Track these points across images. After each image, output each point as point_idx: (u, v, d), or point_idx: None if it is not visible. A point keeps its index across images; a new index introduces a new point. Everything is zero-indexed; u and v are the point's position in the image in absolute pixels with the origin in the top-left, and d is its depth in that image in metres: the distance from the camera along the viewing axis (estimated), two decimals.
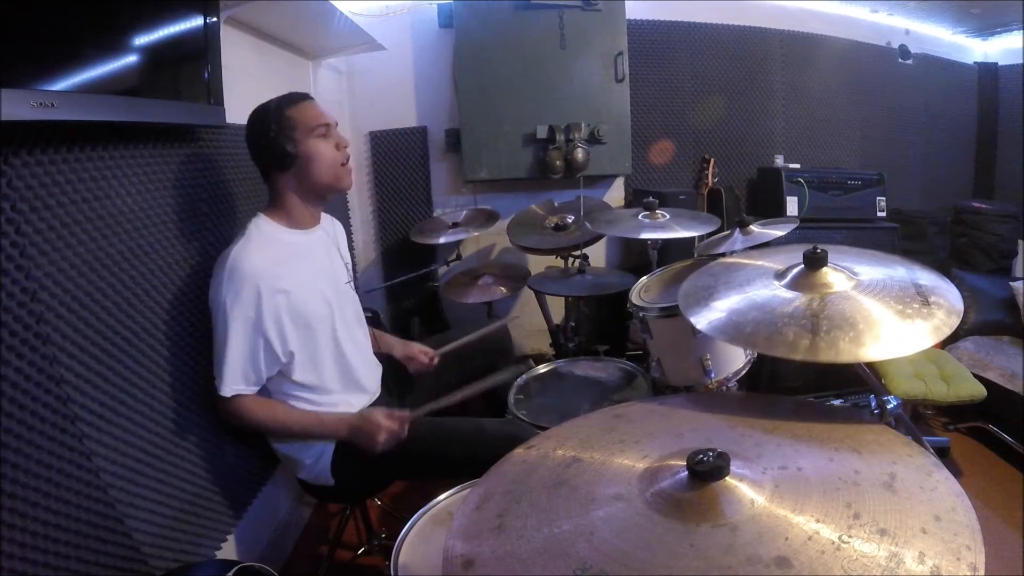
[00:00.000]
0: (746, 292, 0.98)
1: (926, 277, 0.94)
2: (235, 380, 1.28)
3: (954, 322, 0.82)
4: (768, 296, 0.94)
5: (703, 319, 0.96)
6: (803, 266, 0.95)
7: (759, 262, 1.09)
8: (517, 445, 0.84)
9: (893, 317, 0.83)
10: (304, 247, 1.41)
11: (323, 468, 1.38)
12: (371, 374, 1.54)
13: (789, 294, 0.93)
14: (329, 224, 1.55)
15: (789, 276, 0.97)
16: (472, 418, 1.46)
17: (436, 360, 1.66)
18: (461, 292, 2.45)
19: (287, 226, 1.39)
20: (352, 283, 1.58)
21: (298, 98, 1.37)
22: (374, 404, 1.50)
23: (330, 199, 1.50)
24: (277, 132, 1.31)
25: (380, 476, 1.48)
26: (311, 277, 1.39)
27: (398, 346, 1.70)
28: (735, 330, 0.91)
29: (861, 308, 0.85)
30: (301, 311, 1.33)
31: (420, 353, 1.66)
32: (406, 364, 1.67)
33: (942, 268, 3.07)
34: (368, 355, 1.56)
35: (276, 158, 1.33)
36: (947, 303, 0.85)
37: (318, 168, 1.35)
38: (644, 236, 1.91)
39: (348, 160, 1.41)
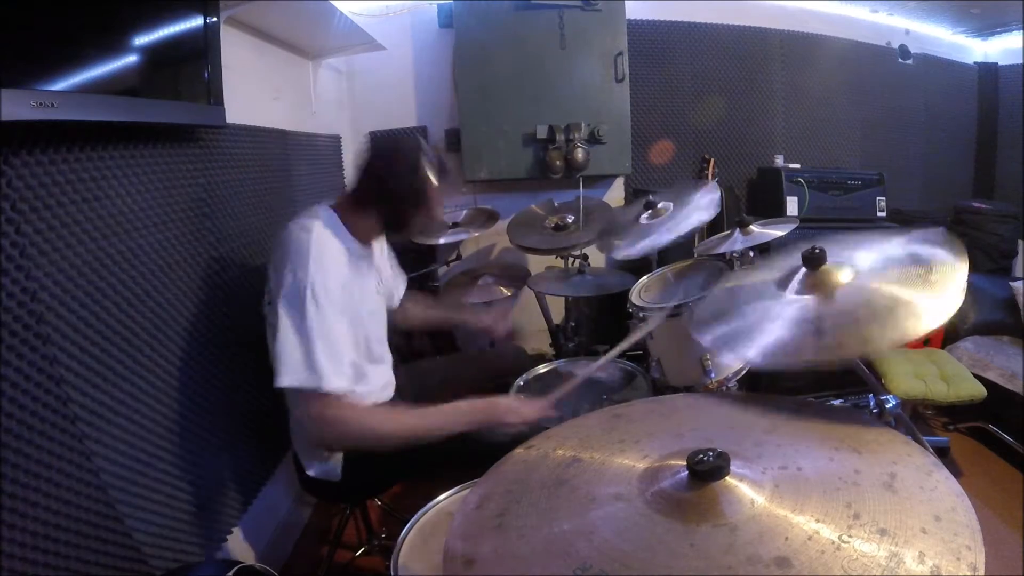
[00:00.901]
0: (760, 309, 0.96)
1: (920, 245, 0.93)
2: (339, 374, 1.16)
3: (959, 283, 0.80)
4: (782, 307, 0.93)
5: (748, 352, 0.91)
6: (804, 268, 0.94)
7: (758, 277, 1.07)
8: (518, 443, 0.84)
9: (902, 296, 0.82)
10: (360, 254, 1.39)
11: (335, 463, 1.36)
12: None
13: (799, 299, 0.92)
14: None
15: (794, 281, 0.95)
16: None
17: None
18: (461, 292, 2.45)
19: (350, 232, 1.36)
20: (383, 294, 1.57)
21: (446, 175, 1.38)
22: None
23: None
24: (412, 202, 1.33)
25: (386, 473, 1.48)
26: (365, 288, 1.41)
27: (467, 317, 1.80)
28: (783, 350, 0.87)
29: (867, 299, 0.84)
30: (363, 311, 1.35)
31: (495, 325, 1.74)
32: (490, 330, 1.76)
33: None
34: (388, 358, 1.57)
35: (390, 205, 1.34)
36: (946, 264, 0.84)
37: (404, 233, 1.46)
38: (654, 245, 1.82)
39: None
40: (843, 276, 0.91)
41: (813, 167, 3.06)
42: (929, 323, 0.76)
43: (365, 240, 1.41)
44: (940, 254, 0.88)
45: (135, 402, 1.18)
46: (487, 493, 0.73)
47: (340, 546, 1.74)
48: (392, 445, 1.23)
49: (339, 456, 1.36)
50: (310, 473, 1.39)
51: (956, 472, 2.13)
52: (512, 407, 1.28)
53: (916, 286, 0.82)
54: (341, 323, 1.20)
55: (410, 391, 1.62)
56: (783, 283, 0.97)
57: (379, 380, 1.47)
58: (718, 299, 1.09)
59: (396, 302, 1.70)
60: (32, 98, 0.88)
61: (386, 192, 1.32)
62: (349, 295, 1.28)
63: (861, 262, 0.94)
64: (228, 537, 1.47)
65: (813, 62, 3.34)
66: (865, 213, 2.86)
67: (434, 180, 1.33)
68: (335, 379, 1.15)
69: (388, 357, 1.56)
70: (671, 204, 1.90)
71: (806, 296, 0.91)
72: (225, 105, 1.46)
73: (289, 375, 1.14)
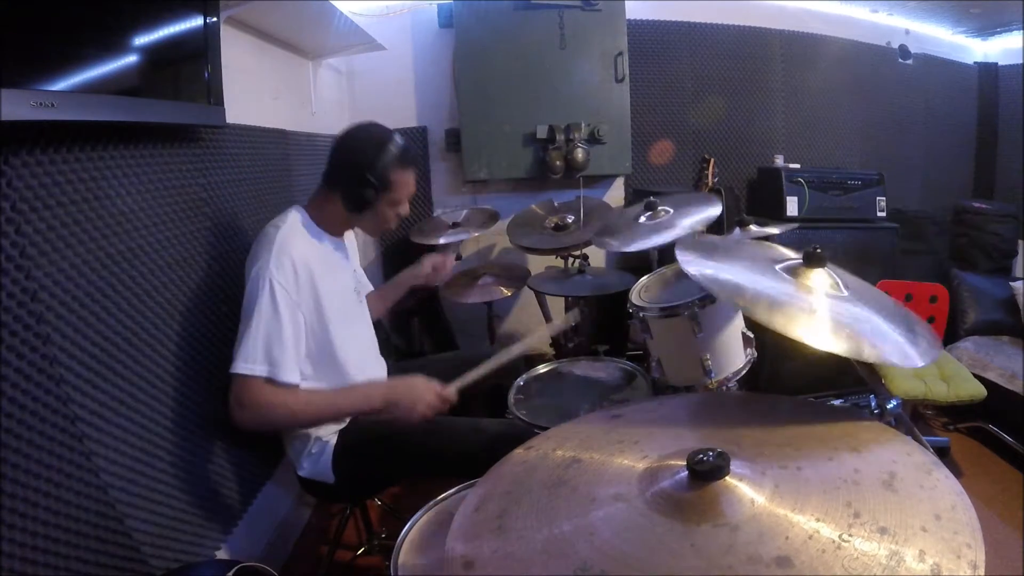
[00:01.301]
0: (747, 263, 0.99)
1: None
2: (275, 362, 1.22)
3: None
4: (770, 276, 0.95)
5: (699, 268, 0.96)
6: (801, 262, 0.96)
7: (765, 245, 1.10)
8: (516, 445, 0.84)
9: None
10: (331, 249, 1.44)
11: (324, 464, 1.37)
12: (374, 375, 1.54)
13: (785, 280, 0.94)
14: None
15: (785, 264, 0.98)
16: (471, 418, 1.46)
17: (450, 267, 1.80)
18: (461, 292, 2.45)
19: (320, 226, 1.41)
20: (359, 292, 1.59)
21: (409, 163, 1.40)
22: None
23: None
24: (373, 183, 1.33)
25: (380, 475, 1.48)
26: (335, 284, 1.41)
27: (405, 280, 1.77)
28: (734, 289, 0.92)
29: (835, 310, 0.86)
30: (322, 315, 1.33)
31: (429, 266, 1.76)
32: (428, 281, 1.77)
33: (942, 268, 3.09)
34: (373, 362, 1.57)
35: (351, 198, 1.35)
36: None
37: (371, 225, 1.45)
38: (650, 245, 1.85)
39: (397, 226, 1.49)
40: (826, 286, 0.92)
41: (813, 167, 3.06)
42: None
43: (335, 231, 1.44)
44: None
45: (135, 402, 1.18)
46: (487, 494, 0.73)
47: (340, 546, 1.73)
48: (305, 423, 1.33)
49: (328, 456, 1.36)
50: (301, 473, 1.40)
51: (956, 472, 2.13)
52: (421, 397, 1.27)
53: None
54: (287, 317, 1.23)
55: None
56: (778, 260, 0.99)
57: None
58: (719, 241, 1.14)
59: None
60: (32, 98, 0.88)
61: (350, 167, 1.35)
62: (313, 288, 1.30)
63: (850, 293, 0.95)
64: (228, 537, 1.47)
65: (813, 62, 3.34)
66: (865, 213, 2.86)
67: (400, 164, 1.36)
68: (258, 365, 1.20)
69: (372, 364, 1.55)
70: (671, 209, 1.91)
71: (789, 278, 0.94)
72: (225, 105, 1.46)
73: (246, 363, 1.20)
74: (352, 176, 1.34)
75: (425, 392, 1.28)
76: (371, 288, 1.74)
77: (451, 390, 1.31)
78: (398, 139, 1.38)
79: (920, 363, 0.79)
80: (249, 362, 1.20)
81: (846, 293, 0.91)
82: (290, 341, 1.24)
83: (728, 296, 0.92)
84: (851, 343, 0.79)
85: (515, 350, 1.44)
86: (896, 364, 0.80)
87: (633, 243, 1.88)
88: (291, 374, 1.24)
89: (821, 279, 0.93)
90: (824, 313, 0.85)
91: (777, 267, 0.97)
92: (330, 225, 1.43)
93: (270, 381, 1.21)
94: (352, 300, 1.51)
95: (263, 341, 1.21)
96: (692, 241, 1.11)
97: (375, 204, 1.36)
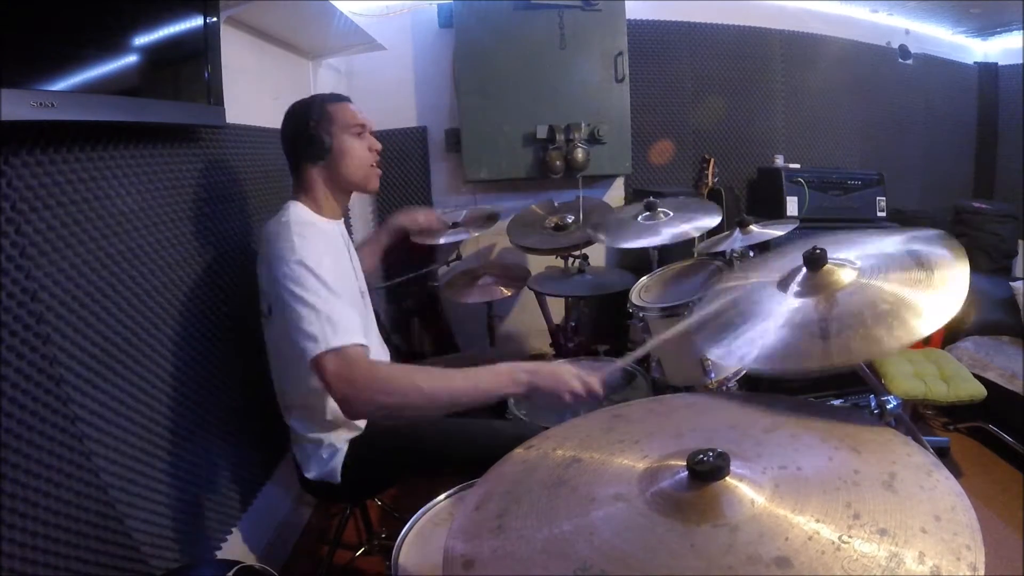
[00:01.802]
0: (761, 313, 0.94)
1: (919, 243, 0.92)
2: (351, 330, 1.09)
3: (961, 281, 0.79)
4: (784, 310, 0.91)
5: (739, 356, 0.89)
6: (805, 269, 0.94)
7: (755, 279, 1.05)
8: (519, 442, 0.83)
9: (903, 296, 0.81)
10: (334, 235, 1.43)
11: (334, 466, 1.35)
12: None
13: (798, 302, 0.91)
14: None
15: (793, 283, 0.94)
16: (482, 419, 1.44)
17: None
18: (461, 292, 2.45)
19: (315, 211, 1.39)
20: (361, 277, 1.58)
21: (339, 97, 1.43)
22: None
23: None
24: (316, 124, 1.36)
25: (386, 476, 1.47)
26: (345, 266, 1.41)
27: (395, 224, 1.88)
28: (783, 355, 0.84)
29: (869, 300, 0.84)
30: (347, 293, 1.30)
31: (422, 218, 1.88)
32: (412, 230, 1.91)
33: None
34: (379, 351, 1.55)
35: (311, 148, 1.36)
36: (945, 262, 0.84)
37: (349, 164, 1.40)
38: (648, 243, 1.85)
39: (378, 163, 1.45)
40: (844, 277, 0.90)
41: (813, 167, 3.06)
42: (933, 323, 0.76)
43: (331, 214, 1.43)
44: (939, 252, 0.88)
45: (135, 402, 1.18)
46: (487, 493, 0.73)
47: (340, 546, 1.74)
48: (432, 407, 1.10)
49: (339, 460, 1.35)
50: (309, 476, 1.39)
51: (956, 472, 2.13)
52: (568, 384, 1.09)
53: (918, 286, 0.82)
54: (340, 294, 1.17)
55: None
56: (783, 284, 0.96)
57: None
58: (719, 305, 1.07)
59: None
60: (32, 98, 0.88)
61: (300, 139, 1.37)
62: (338, 269, 1.28)
63: (861, 262, 0.93)
64: (228, 537, 1.47)
65: (813, 62, 3.34)
66: (865, 213, 2.86)
67: (328, 100, 1.40)
68: (353, 335, 1.08)
69: (383, 352, 1.56)
70: (671, 212, 1.93)
71: (807, 299, 0.90)
72: (225, 105, 1.46)
73: (311, 347, 1.07)
74: (299, 134, 1.36)
75: (572, 380, 1.10)
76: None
77: (596, 381, 1.12)
78: (321, 93, 1.44)
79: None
80: (334, 336, 1.06)
81: (863, 279, 0.89)
82: (357, 315, 1.17)
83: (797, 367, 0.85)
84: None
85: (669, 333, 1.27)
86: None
87: (626, 240, 1.90)
88: (355, 337, 1.11)
89: (832, 275, 0.91)
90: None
91: (788, 296, 0.93)
92: (323, 208, 1.40)
93: (368, 354, 1.10)
94: (356, 284, 1.49)
95: (338, 319, 1.10)
96: (704, 324, 1.02)
97: (332, 139, 1.37)
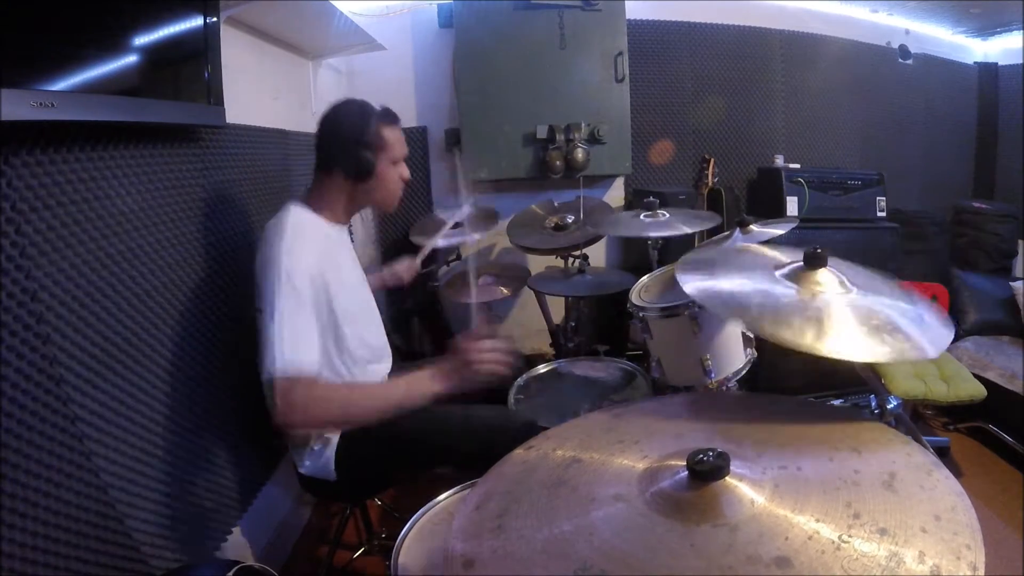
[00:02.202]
0: (747, 275, 0.98)
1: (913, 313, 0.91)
2: (302, 349, 1.17)
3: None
4: (770, 285, 0.94)
5: (699, 287, 0.95)
6: (802, 264, 0.95)
7: (763, 250, 1.09)
8: (507, 433, 0.83)
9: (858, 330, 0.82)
10: (336, 241, 1.43)
11: (326, 462, 1.36)
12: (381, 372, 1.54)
13: (787, 287, 0.93)
14: None
15: (787, 269, 0.97)
16: (461, 407, 1.43)
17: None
18: (461, 292, 2.45)
19: (323, 218, 1.40)
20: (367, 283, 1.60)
21: (394, 119, 1.42)
22: None
23: None
24: (367, 144, 1.34)
25: (381, 472, 1.47)
26: (346, 274, 1.41)
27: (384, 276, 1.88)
28: (739, 307, 0.91)
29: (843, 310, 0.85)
30: (333, 307, 1.33)
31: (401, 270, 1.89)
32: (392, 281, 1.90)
33: (942, 268, 3.09)
34: (386, 358, 1.57)
35: (353, 165, 1.35)
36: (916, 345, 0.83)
37: (382, 192, 1.42)
38: (646, 234, 1.89)
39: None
40: (830, 285, 0.92)
41: (813, 167, 3.06)
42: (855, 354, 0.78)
43: (338, 219, 1.43)
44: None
45: (135, 402, 1.18)
46: (487, 494, 0.73)
47: (340, 546, 1.74)
48: (362, 421, 1.24)
49: (331, 453, 1.35)
50: (302, 471, 1.39)
51: (956, 472, 2.14)
52: (471, 357, 1.21)
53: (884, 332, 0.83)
54: (309, 309, 1.21)
55: None
56: (779, 265, 0.99)
57: (377, 379, 1.47)
58: (716, 250, 1.13)
59: None
60: (32, 98, 0.88)
61: (344, 151, 1.35)
62: (324, 283, 1.29)
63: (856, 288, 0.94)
64: (228, 537, 1.47)
65: (813, 62, 3.34)
66: (865, 213, 2.86)
67: (387, 121, 1.38)
68: (302, 364, 1.17)
69: (388, 356, 1.56)
70: (667, 214, 1.94)
71: (791, 284, 0.93)
72: (225, 105, 1.46)
73: (269, 365, 1.16)
74: (348, 145, 1.34)
75: (480, 364, 1.22)
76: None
77: (483, 330, 1.26)
78: (374, 104, 1.41)
79: (932, 354, 0.79)
80: (289, 362, 1.15)
81: (853, 291, 0.91)
82: (317, 333, 1.23)
83: (730, 314, 0.91)
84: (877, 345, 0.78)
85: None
86: (917, 357, 0.79)
87: (628, 232, 1.92)
88: (310, 365, 1.20)
89: (826, 279, 0.92)
90: (839, 318, 0.83)
91: (777, 273, 0.97)
92: (333, 214, 1.41)
93: (313, 378, 1.19)
94: (363, 292, 1.52)
95: (295, 337, 1.18)
96: (689, 259, 1.10)
97: (376, 165, 1.36)
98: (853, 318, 0.83)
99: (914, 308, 0.90)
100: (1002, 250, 3.23)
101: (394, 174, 1.42)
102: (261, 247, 1.28)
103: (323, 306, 1.29)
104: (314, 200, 1.40)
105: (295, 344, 1.17)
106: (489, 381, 1.23)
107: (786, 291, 0.91)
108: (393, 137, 1.39)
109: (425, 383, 1.24)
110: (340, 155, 1.36)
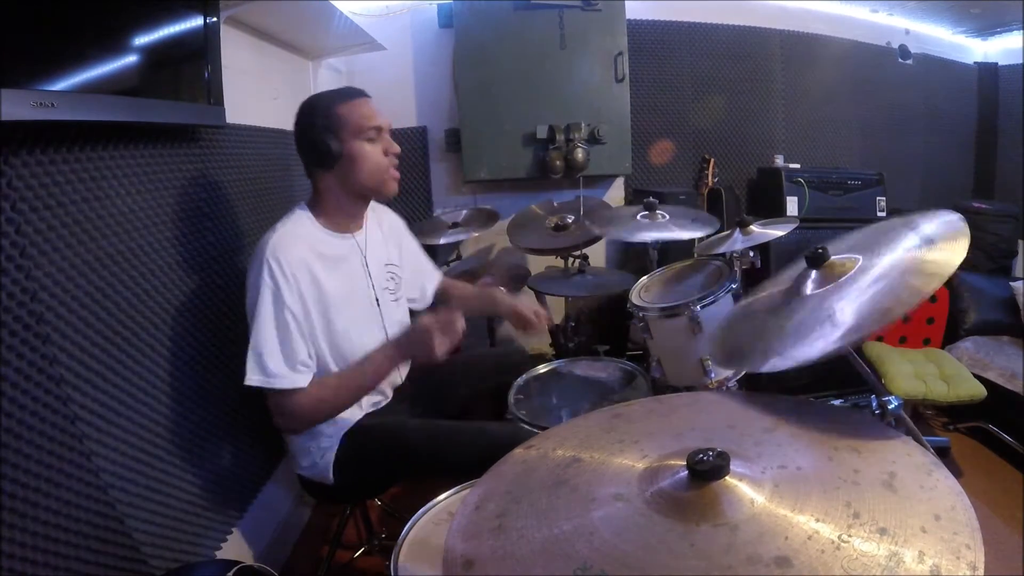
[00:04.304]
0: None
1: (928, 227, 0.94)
2: (292, 372, 1.22)
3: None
4: (813, 307, 0.92)
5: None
6: (806, 266, 0.95)
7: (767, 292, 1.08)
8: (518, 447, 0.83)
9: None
10: (338, 255, 1.37)
11: (326, 464, 1.36)
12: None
13: (815, 294, 0.92)
14: (374, 225, 1.50)
15: (807, 282, 0.95)
16: (474, 422, 1.45)
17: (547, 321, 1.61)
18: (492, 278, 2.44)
19: (325, 226, 1.37)
20: (393, 291, 1.53)
21: (352, 94, 1.33)
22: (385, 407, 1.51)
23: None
24: (324, 129, 1.28)
25: (379, 478, 1.47)
26: (343, 282, 1.36)
27: (501, 302, 1.61)
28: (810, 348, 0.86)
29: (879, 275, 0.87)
30: (328, 314, 1.32)
31: (530, 313, 1.55)
32: (512, 323, 1.60)
33: None
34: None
35: (319, 155, 1.30)
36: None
37: (361, 171, 1.32)
38: (642, 238, 1.88)
39: (396, 166, 1.37)
40: (848, 264, 0.92)
41: (813, 167, 3.05)
42: (940, 276, 0.79)
43: (342, 227, 1.39)
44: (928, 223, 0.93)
45: (135, 402, 1.19)
46: (487, 493, 0.73)
47: (340, 546, 1.74)
48: (347, 404, 1.32)
49: (329, 456, 1.35)
50: (300, 472, 1.39)
51: (956, 472, 2.13)
52: (429, 326, 1.22)
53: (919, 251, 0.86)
54: (290, 318, 1.23)
55: (411, 391, 1.62)
56: (796, 288, 0.97)
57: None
58: (737, 324, 1.08)
59: (429, 297, 1.72)
60: (32, 98, 0.88)
61: (307, 145, 1.31)
62: (317, 293, 1.28)
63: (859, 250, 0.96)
64: (228, 537, 1.47)
65: (813, 62, 3.34)
66: (865, 213, 2.86)
67: (339, 99, 1.32)
68: (287, 378, 1.21)
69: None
70: (667, 215, 1.94)
71: (820, 289, 0.92)
72: (225, 105, 1.46)
73: (249, 374, 1.21)
74: (308, 138, 1.30)
75: (432, 327, 1.22)
76: (429, 285, 1.74)
77: (450, 314, 1.24)
78: (333, 90, 1.37)
79: None
80: (275, 375, 1.20)
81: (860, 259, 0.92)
82: (299, 341, 1.24)
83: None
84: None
85: None
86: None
87: (626, 235, 1.91)
88: (309, 373, 1.26)
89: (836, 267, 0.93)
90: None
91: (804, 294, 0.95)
92: (336, 216, 1.38)
93: (299, 387, 1.24)
94: (366, 298, 1.44)
95: (279, 348, 1.22)
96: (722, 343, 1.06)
97: (343, 145, 1.29)
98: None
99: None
100: (1002, 250, 3.22)
101: (369, 150, 1.31)
102: (254, 252, 1.28)
103: (316, 316, 1.29)
104: (315, 207, 1.38)
105: (280, 359, 1.21)
106: (442, 355, 1.23)
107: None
108: (351, 111, 1.30)
109: (382, 357, 1.29)
110: (308, 151, 1.32)
